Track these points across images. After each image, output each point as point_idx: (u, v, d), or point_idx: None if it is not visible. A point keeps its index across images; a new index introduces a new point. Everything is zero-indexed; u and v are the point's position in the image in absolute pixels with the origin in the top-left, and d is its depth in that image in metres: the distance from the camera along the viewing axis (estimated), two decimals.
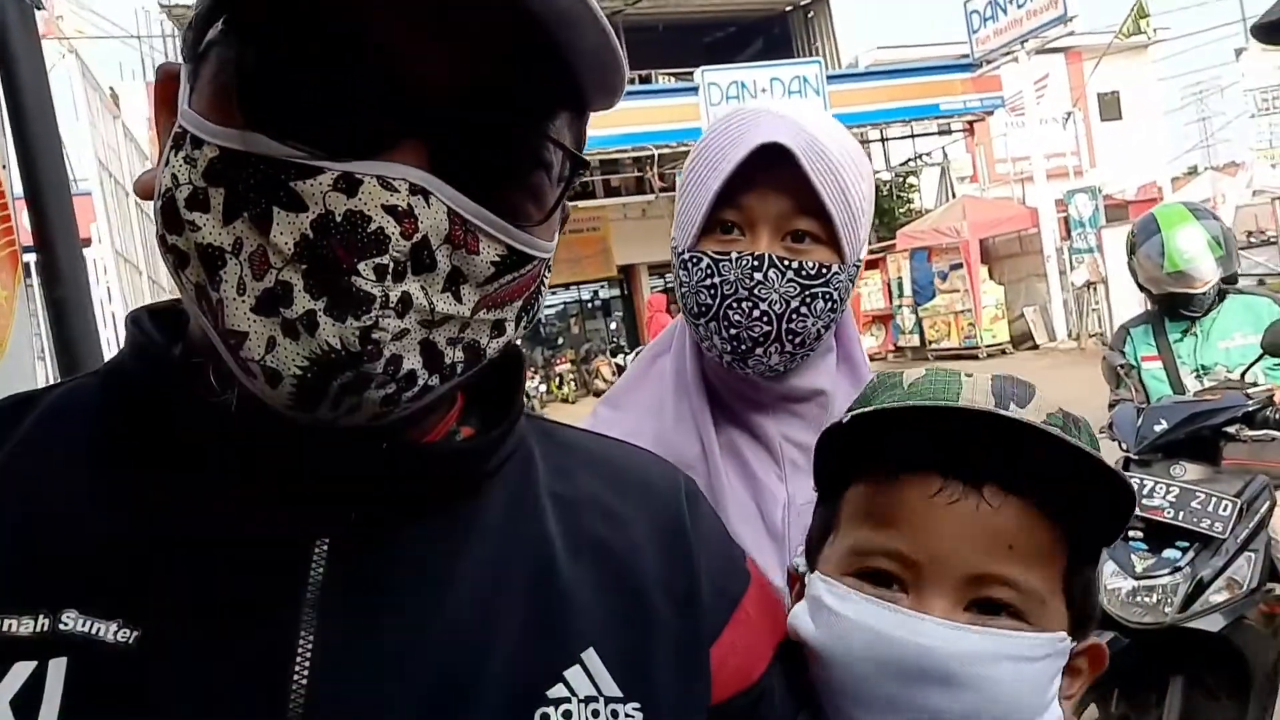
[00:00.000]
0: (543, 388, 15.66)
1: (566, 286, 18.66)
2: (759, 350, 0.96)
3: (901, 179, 19.98)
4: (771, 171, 0.93)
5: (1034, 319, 15.31)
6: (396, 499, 0.51)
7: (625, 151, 14.55)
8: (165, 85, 0.52)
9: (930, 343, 15.84)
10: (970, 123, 17.78)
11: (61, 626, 0.45)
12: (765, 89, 15.01)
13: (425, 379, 0.46)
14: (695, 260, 0.97)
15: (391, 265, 0.43)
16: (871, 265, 17.11)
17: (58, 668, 0.44)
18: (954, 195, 18.13)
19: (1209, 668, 2.35)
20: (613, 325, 19.63)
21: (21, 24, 1.47)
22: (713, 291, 0.96)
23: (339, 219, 0.42)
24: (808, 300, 0.95)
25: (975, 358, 14.70)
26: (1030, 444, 0.62)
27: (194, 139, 0.45)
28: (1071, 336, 14.80)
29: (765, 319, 0.94)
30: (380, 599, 0.50)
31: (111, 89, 12.37)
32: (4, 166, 2.42)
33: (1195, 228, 2.84)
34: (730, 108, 1.03)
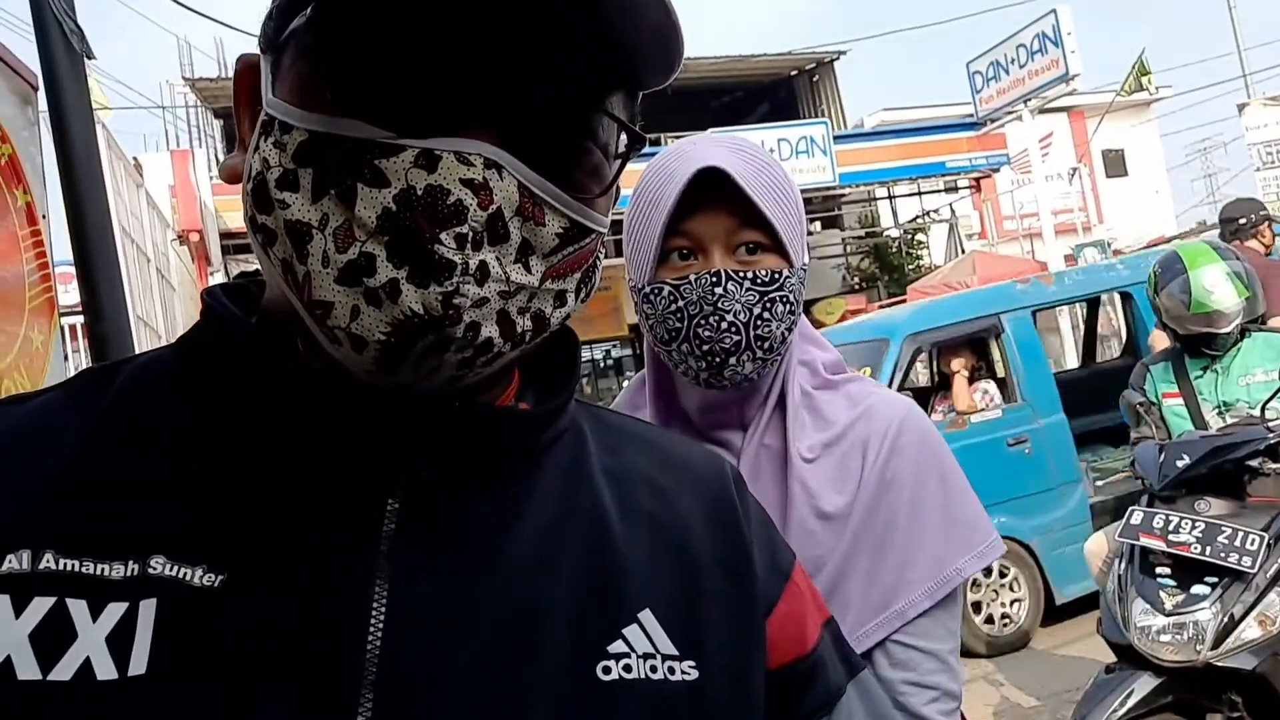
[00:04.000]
0: None
1: None
2: (732, 360, 1.01)
3: (910, 236, 20.12)
4: (711, 194, 1.00)
5: None
6: (463, 460, 0.53)
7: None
8: (244, 76, 0.55)
9: None
10: (977, 180, 17.98)
11: (150, 570, 0.47)
12: (773, 149, 15.26)
13: (500, 346, 0.49)
14: (657, 290, 1.04)
15: (470, 235, 0.45)
16: None
17: (148, 608, 0.46)
18: (963, 251, 18.23)
19: (1244, 705, 2.30)
20: (625, 384, 19.50)
21: (71, 71, 1.53)
22: (679, 315, 1.02)
23: (420, 192, 0.44)
24: (768, 305, 1.01)
25: None
26: None
27: (282, 124, 0.48)
28: None
29: (734, 329, 1.00)
30: (447, 553, 0.51)
31: (135, 159, 12.66)
32: (45, 216, 2.50)
33: (1220, 266, 2.83)
34: (661, 152, 1.13)
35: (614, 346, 19.71)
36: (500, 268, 0.47)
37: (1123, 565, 2.52)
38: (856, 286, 19.25)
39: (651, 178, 1.07)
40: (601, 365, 20.27)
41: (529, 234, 0.49)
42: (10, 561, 0.46)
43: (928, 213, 19.84)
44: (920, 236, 20.18)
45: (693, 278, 1.01)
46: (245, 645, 0.46)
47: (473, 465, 0.54)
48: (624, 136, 0.55)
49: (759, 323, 1.01)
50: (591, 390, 19.52)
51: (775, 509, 1.03)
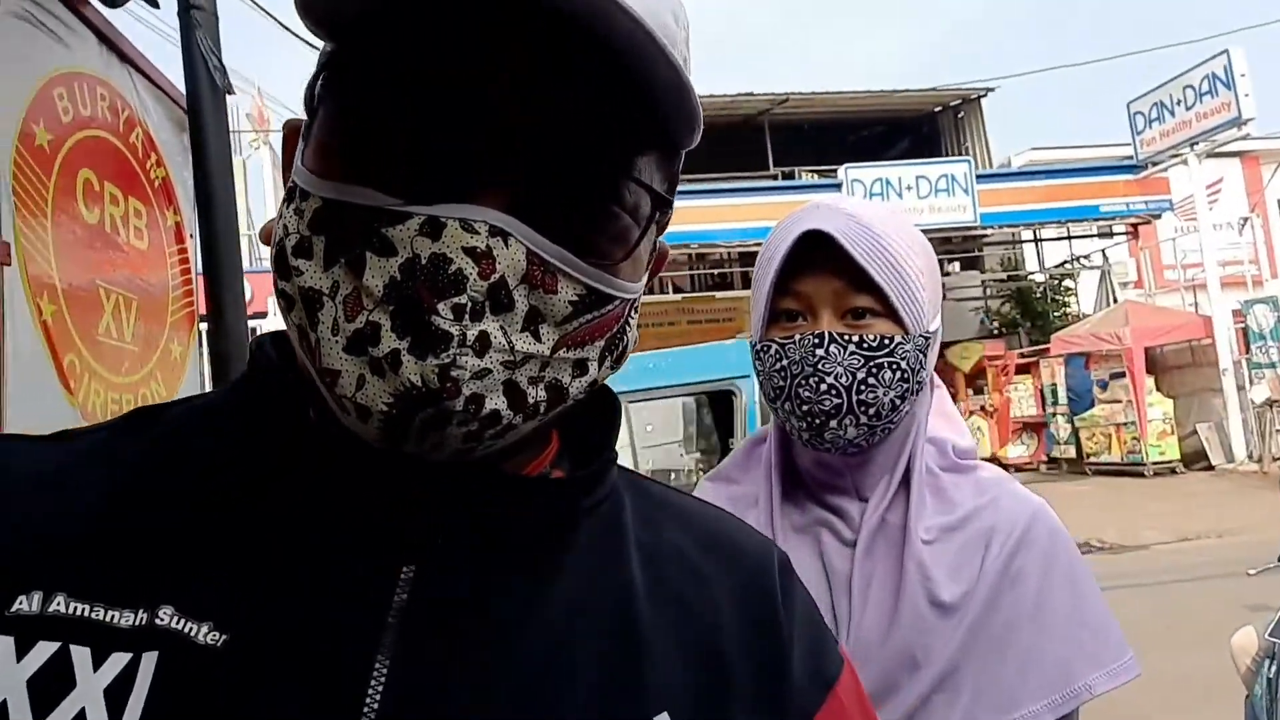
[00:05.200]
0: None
1: None
2: (833, 423, 1.00)
3: (1057, 281, 19.13)
4: (820, 257, 1.00)
5: (1208, 437, 14.09)
6: (484, 531, 0.51)
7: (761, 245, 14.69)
8: (290, 140, 0.56)
9: (1088, 455, 14.76)
10: (1135, 225, 16.93)
11: (158, 621, 0.47)
12: (911, 186, 14.89)
13: (509, 418, 0.47)
14: (765, 348, 1.05)
15: (469, 305, 0.44)
16: (1023, 370, 16.26)
17: (149, 661, 0.46)
18: (1115, 300, 17.17)
19: None
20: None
21: (213, 104, 1.64)
22: (783, 374, 1.03)
23: (424, 261, 0.44)
24: (874, 371, 0.99)
25: (1140, 475, 13.56)
26: None
27: (302, 192, 0.48)
28: (1252, 458, 13.51)
29: (834, 392, 0.99)
30: (459, 629, 0.49)
31: None
32: (192, 236, 2.69)
33: None
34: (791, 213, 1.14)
35: None
36: (504, 338, 0.45)
37: (1274, 668, 2.26)
38: (995, 331, 18.43)
39: (771, 236, 1.08)
40: None
41: (538, 302, 0.47)
42: (21, 603, 0.46)
43: (1077, 258, 18.84)
44: (1068, 283, 19.17)
45: (797, 337, 1.01)
46: (239, 710, 0.45)
47: (495, 537, 0.51)
48: (652, 201, 0.52)
49: (862, 388, 0.99)
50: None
51: (889, 588, 0.99)
